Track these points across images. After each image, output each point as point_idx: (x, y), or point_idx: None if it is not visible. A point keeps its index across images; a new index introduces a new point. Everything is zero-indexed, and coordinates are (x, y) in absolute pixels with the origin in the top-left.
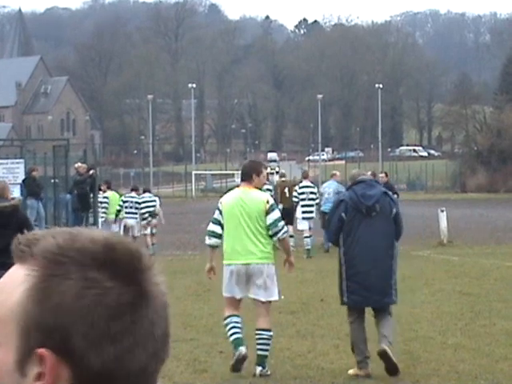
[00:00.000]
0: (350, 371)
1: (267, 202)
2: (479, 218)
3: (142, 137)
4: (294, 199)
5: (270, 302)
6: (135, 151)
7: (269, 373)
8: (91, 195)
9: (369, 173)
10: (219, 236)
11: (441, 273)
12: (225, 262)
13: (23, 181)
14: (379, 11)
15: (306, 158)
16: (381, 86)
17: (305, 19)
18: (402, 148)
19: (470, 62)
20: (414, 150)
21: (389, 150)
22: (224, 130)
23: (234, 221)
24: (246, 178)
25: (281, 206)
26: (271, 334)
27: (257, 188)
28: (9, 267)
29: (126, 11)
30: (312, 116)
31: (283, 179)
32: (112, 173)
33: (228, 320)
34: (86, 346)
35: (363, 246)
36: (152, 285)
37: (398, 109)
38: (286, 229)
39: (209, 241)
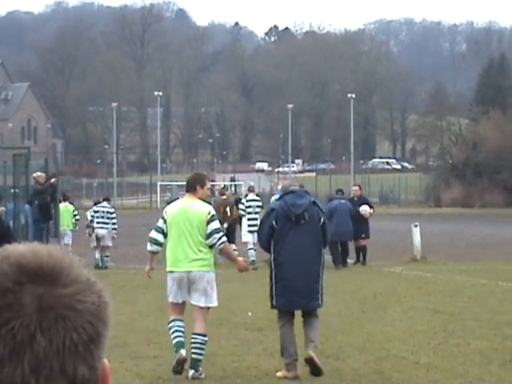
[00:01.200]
0: (279, 373)
1: (209, 213)
2: (453, 234)
3: (106, 146)
4: (241, 212)
5: (208, 308)
6: (98, 161)
7: (202, 376)
8: (52, 205)
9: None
10: (160, 244)
11: (413, 290)
12: (168, 269)
13: None
14: (352, 19)
15: (276, 170)
16: (353, 95)
17: (275, 26)
18: (374, 160)
19: (445, 71)
20: (387, 163)
21: (361, 162)
22: (191, 139)
23: (178, 230)
24: (191, 189)
25: (226, 225)
26: (206, 338)
27: (200, 199)
28: None
29: (90, 15)
30: (282, 126)
31: (224, 197)
32: (74, 183)
33: (172, 324)
34: None
35: (292, 251)
36: (41, 298)
37: (370, 119)
38: (223, 239)
39: (150, 247)
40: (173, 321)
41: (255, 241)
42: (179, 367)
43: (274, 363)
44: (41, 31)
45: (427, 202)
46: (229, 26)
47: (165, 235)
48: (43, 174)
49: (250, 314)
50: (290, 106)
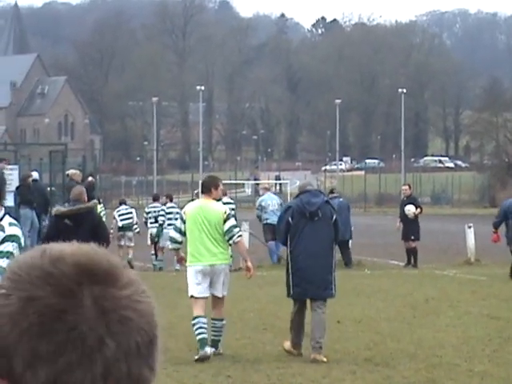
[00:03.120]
0: (285, 344)
1: (225, 213)
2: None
3: (146, 142)
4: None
5: (224, 296)
6: (138, 158)
7: (221, 351)
8: None
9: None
10: (179, 242)
11: (467, 294)
12: (190, 263)
13: (17, 188)
14: (403, 10)
15: (323, 168)
16: (404, 90)
17: (323, 18)
18: (426, 158)
19: (501, 65)
20: (440, 161)
21: (412, 160)
22: (234, 136)
23: (197, 227)
24: (206, 190)
25: None
26: (224, 322)
27: (215, 199)
28: None
29: (130, 7)
30: (329, 122)
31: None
32: (113, 181)
33: (196, 321)
34: (23, 368)
35: (306, 245)
36: (102, 299)
37: (422, 115)
38: (240, 233)
39: (171, 246)
40: (196, 317)
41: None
42: (202, 362)
43: (321, 370)
44: (78, 23)
45: (481, 202)
46: (274, 17)
47: (183, 234)
48: (78, 172)
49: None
50: (338, 101)
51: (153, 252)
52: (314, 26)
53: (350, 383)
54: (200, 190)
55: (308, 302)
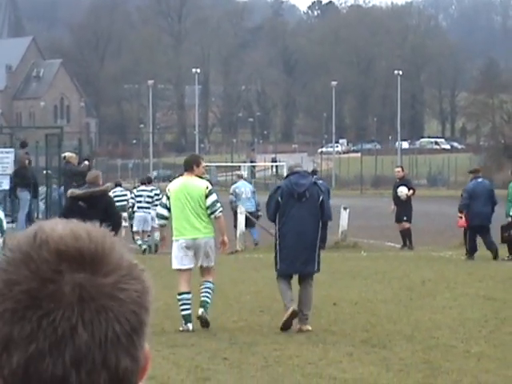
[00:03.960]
0: (282, 319)
1: (206, 188)
2: (505, 217)
3: (142, 125)
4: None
5: (211, 266)
6: (134, 141)
7: (208, 318)
8: None
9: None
10: (166, 218)
11: (463, 276)
12: (175, 238)
13: (14, 171)
14: None
15: (319, 150)
16: (400, 72)
17: (319, 0)
18: (422, 140)
19: (497, 46)
20: (436, 143)
21: (408, 142)
22: (230, 118)
23: (181, 203)
24: (188, 168)
25: None
26: (213, 286)
27: (197, 176)
28: None
29: None
30: (325, 104)
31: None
32: (109, 164)
33: (180, 297)
34: (0, 350)
35: (293, 224)
36: (82, 287)
37: (418, 97)
38: (221, 209)
39: (159, 222)
40: (181, 294)
41: None
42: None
43: (318, 351)
44: (74, 6)
45: None
46: None
47: (169, 210)
48: (75, 155)
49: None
50: (334, 83)
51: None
52: (309, 8)
53: (346, 365)
54: (184, 167)
55: (295, 277)
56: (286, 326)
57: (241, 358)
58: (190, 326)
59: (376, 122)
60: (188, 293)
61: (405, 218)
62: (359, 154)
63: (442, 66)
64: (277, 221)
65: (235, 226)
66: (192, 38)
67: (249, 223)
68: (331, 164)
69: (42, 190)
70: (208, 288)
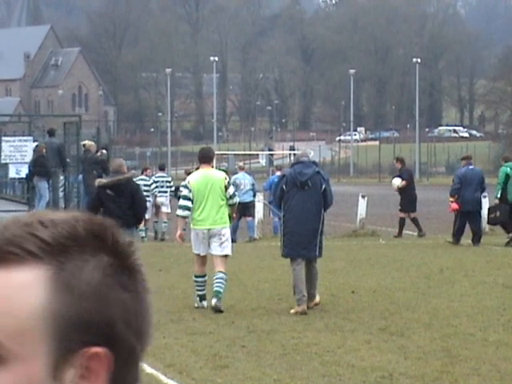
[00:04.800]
0: (292, 310)
1: (225, 179)
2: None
3: (160, 114)
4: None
5: (226, 255)
6: (152, 129)
7: (221, 307)
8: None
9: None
10: (189, 209)
11: (482, 263)
12: (193, 226)
13: (34, 160)
14: None
15: (337, 139)
16: (418, 60)
17: None
18: (441, 128)
19: None
20: (454, 131)
21: (427, 130)
22: (248, 106)
23: (202, 195)
24: (208, 160)
25: None
26: (226, 276)
27: (214, 168)
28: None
29: None
30: (343, 92)
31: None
32: (127, 152)
33: (197, 279)
34: (126, 330)
35: (296, 211)
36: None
37: (436, 85)
38: (238, 199)
39: (182, 213)
40: (197, 277)
41: None
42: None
43: (336, 339)
44: None
45: (496, 172)
46: None
47: (192, 201)
48: (93, 143)
49: (292, 311)
50: (352, 71)
51: (156, 220)
52: None
53: (364, 353)
54: (200, 160)
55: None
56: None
57: (259, 346)
58: (204, 303)
59: (394, 110)
60: (203, 276)
61: (399, 208)
62: (377, 142)
63: (461, 53)
64: (282, 207)
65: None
66: (209, 26)
67: (247, 213)
68: (349, 152)
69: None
70: (221, 278)
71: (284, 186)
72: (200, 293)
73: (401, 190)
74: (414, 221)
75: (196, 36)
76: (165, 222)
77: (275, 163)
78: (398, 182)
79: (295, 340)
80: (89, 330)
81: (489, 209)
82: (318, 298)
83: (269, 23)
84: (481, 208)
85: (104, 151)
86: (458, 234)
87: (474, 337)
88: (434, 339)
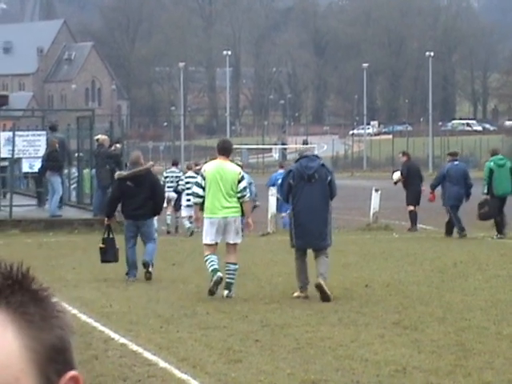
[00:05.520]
0: (295, 294)
1: (239, 173)
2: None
3: (173, 108)
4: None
5: (237, 243)
6: (165, 123)
7: (233, 295)
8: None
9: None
10: (201, 197)
11: (496, 257)
12: (206, 215)
13: (46, 154)
14: None
15: (350, 132)
16: (432, 53)
17: None
18: (454, 122)
19: None
20: (468, 124)
21: (440, 123)
22: (261, 100)
23: (215, 185)
24: (226, 152)
25: None
26: (237, 266)
27: (231, 161)
28: (142, 219)
29: None
30: (357, 86)
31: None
32: (140, 146)
33: (208, 257)
34: (72, 352)
35: (305, 203)
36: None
37: (450, 79)
38: (249, 194)
39: (194, 200)
40: (208, 255)
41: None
42: (215, 287)
43: (350, 333)
44: None
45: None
46: None
47: (204, 189)
48: (107, 137)
49: (295, 294)
50: (366, 64)
51: (168, 213)
52: None
53: (378, 347)
54: (218, 151)
55: (310, 253)
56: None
57: (272, 340)
58: (219, 274)
59: (407, 104)
60: (214, 254)
61: (413, 202)
62: (390, 136)
63: (474, 47)
64: (290, 201)
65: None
66: (223, 20)
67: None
68: (362, 146)
69: (74, 173)
70: (232, 270)
71: (291, 181)
72: (212, 267)
73: (403, 183)
74: (411, 214)
75: (209, 30)
76: (169, 215)
77: (288, 157)
78: (396, 176)
79: (309, 334)
80: (58, 358)
81: (478, 204)
82: (324, 284)
83: (282, 17)
84: (461, 203)
85: (118, 145)
86: (460, 229)
87: (488, 330)
88: (448, 333)
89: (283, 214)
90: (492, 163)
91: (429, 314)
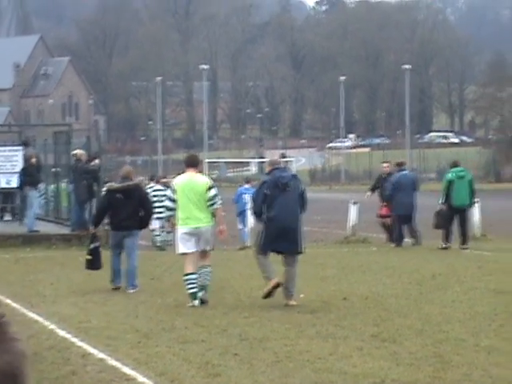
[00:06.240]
0: (265, 289)
1: (208, 183)
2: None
3: (150, 122)
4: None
5: (210, 250)
6: (143, 137)
7: (207, 297)
8: (95, 185)
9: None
10: (173, 209)
11: (473, 269)
12: (179, 226)
13: (23, 169)
14: None
15: (328, 145)
16: (409, 66)
17: None
18: (431, 134)
19: (505, 40)
20: (445, 137)
21: (417, 136)
22: (238, 114)
23: (186, 197)
24: (194, 164)
25: None
26: (211, 269)
27: (199, 172)
28: (128, 230)
29: None
30: (334, 99)
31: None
32: (118, 161)
33: (187, 277)
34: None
35: (280, 210)
36: None
37: (427, 91)
38: (220, 203)
39: (166, 213)
40: (187, 275)
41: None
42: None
43: (328, 346)
44: (81, 3)
45: (487, 178)
46: None
47: (175, 202)
48: (84, 152)
49: (301, 296)
50: (343, 78)
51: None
52: (317, 3)
53: (356, 359)
54: (186, 165)
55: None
56: (267, 296)
57: (251, 354)
58: (196, 302)
59: (385, 117)
60: (193, 273)
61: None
62: (368, 149)
63: (451, 59)
64: (264, 209)
65: None
66: (199, 35)
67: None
68: (340, 159)
69: (41, 186)
70: (207, 272)
71: (266, 191)
72: (191, 291)
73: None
74: (385, 226)
75: (186, 44)
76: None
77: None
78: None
79: (287, 347)
80: (7, 383)
81: (434, 213)
82: (294, 302)
83: (259, 30)
84: (413, 211)
85: (97, 161)
86: (399, 239)
87: (466, 342)
88: (426, 345)
89: (240, 227)
90: (452, 174)
91: (407, 326)
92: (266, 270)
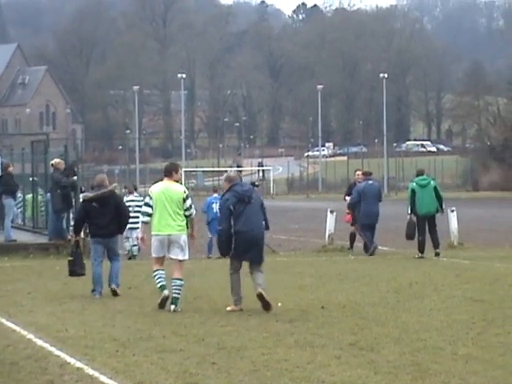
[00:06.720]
0: (228, 308)
1: (184, 192)
2: (492, 219)
3: (128, 131)
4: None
5: (183, 260)
6: (120, 147)
7: (180, 310)
8: (73, 195)
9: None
10: (150, 215)
11: (451, 278)
12: (153, 232)
13: (0, 178)
14: None
15: (305, 154)
16: (386, 75)
17: (303, 3)
18: (408, 143)
19: (482, 49)
20: (422, 145)
21: (394, 144)
22: (216, 123)
23: (161, 204)
24: (169, 174)
25: None
26: (183, 282)
27: (176, 181)
28: (108, 237)
29: None
30: (311, 108)
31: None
32: (95, 170)
33: (156, 272)
34: None
35: (245, 221)
36: None
37: (404, 100)
38: (195, 212)
39: (143, 219)
40: (156, 270)
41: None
42: (163, 303)
43: (306, 355)
44: (58, 12)
45: (464, 186)
46: (254, 4)
47: (152, 208)
48: (62, 161)
49: (279, 304)
50: (320, 87)
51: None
52: (294, 12)
53: (334, 368)
54: (164, 173)
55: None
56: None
57: (229, 363)
58: (166, 292)
59: (362, 126)
60: (162, 269)
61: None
62: (345, 158)
63: (428, 68)
64: (232, 222)
65: None
66: (177, 43)
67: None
68: (318, 168)
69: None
70: (178, 286)
71: (231, 206)
72: (160, 284)
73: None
74: (352, 236)
75: (164, 53)
76: (135, 245)
77: (244, 180)
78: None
79: (265, 356)
80: None
81: (406, 224)
82: (265, 294)
83: (236, 39)
84: (377, 221)
85: (75, 178)
86: (370, 245)
87: (444, 351)
88: (404, 353)
89: (210, 236)
90: (413, 184)
91: (385, 334)
92: (234, 292)
